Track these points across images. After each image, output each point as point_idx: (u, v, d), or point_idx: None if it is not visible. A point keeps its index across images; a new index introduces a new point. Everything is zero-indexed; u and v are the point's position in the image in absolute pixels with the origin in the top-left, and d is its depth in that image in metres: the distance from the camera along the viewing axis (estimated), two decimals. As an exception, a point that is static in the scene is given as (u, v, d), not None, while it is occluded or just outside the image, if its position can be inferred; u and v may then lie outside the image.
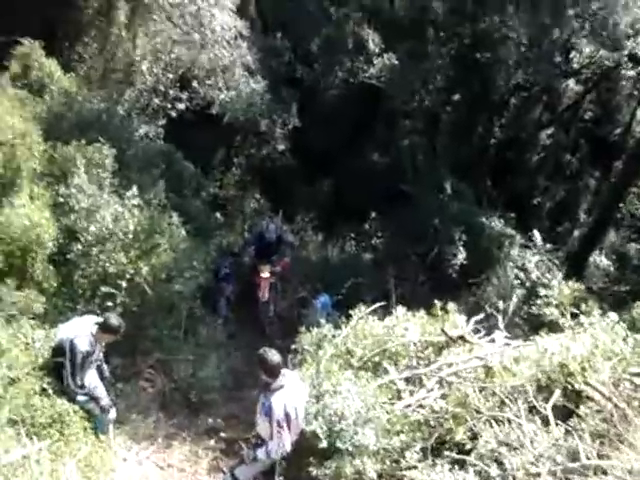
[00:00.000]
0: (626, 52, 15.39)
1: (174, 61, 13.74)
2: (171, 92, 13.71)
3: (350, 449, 5.87)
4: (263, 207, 15.70)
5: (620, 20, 14.90)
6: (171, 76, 13.65)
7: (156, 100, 13.63)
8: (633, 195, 19.30)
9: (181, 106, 13.80)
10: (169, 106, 13.71)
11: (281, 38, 16.01)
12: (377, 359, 7.06)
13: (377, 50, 15.83)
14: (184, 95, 13.82)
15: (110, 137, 9.96)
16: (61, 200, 8.67)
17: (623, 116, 19.73)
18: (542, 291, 6.86)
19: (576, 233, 19.50)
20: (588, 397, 5.59)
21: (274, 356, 5.91)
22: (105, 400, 6.96)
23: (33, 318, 7.44)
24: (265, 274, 11.79)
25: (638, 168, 17.51)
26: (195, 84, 14.02)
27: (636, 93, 18.98)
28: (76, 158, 8.85)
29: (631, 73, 16.28)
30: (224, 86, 14.33)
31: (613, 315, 6.81)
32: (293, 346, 7.56)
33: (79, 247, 8.35)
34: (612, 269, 17.06)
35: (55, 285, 8.14)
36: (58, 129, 9.77)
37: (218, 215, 13.55)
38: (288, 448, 5.78)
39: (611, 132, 19.94)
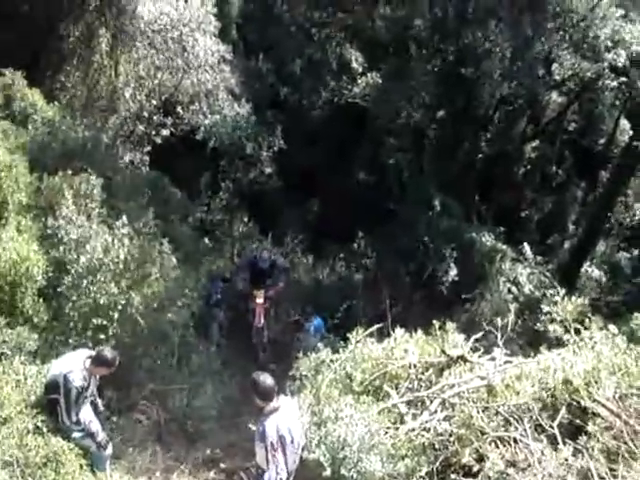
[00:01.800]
0: (606, 63, 15.51)
1: (157, 87, 13.76)
2: (155, 118, 13.71)
3: (355, 476, 5.74)
4: (251, 231, 15.61)
5: (599, 32, 15.07)
6: (155, 102, 13.66)
7: (140, 127, 13.62)
8: (620, 204, 19.40)
9: (165, 132, 13.81)
10: (153, 132, 13.71)
11: (264, 61, 16.09)
12: (378, 383, 6.93)
13: (360, 69, 15.96)
14: (168, 121, 13.84)
15: (96, 165, 9.91)
16: (49, 232, 8.54)
17: (606, 126, 19.90)
18: (545, 308, 6.78)
19: (566, 244, 19.58)
20: (595, 414, 5.50)
21: (267, 379, 5.82)
22: (101, 435, 6.78)
23: (24, 354, 7.26)
24: (260, 300, 11.65)
25: (624, 177, 17.63)
26: (179, 109, 14.05)
27: (618, 103, 19.13)
28: (63, 189, 8.75)
29: (613, 84, 16.34)
30: (208, 110, 14.35)
31: (613, 328, 6.74)
32: (291, 372, 7.41)
33: (69, 279, 8.17)
34: (604, 279, 17.07)
35: (46, 319, 7.95)
36: (43, 160, 9.66)
37: (206, 240, 13.44)
38: (284, 476, 5.61)
39: (595, 142, 20.12)
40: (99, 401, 7.19)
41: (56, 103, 11.56)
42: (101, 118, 13.02)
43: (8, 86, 10.65)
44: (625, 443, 4.96)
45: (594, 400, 5.55)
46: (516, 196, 19.43)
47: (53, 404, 6.55)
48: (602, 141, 20.30)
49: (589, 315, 6.63)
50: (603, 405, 5.46)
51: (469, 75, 14.31)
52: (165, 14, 13.50)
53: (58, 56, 12.75)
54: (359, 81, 15.71)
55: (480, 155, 17.97)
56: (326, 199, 16.18)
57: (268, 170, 15.61)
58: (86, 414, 6.78)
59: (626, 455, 4.89)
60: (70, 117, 11.53)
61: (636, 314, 7.37)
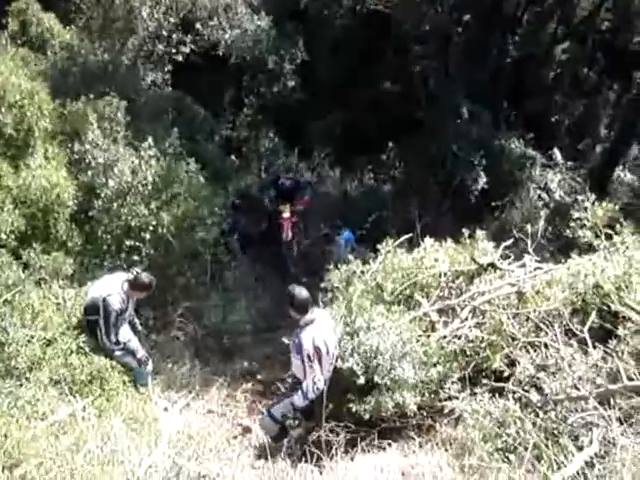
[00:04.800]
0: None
1: (174, 4, 13.36)
2: (174, 36, 13.39)
3: (388, 383, 5.88)
4: (278, 146, 15.51)
5: None
6: (173, 20, 13.30)
7: (160, 46, 13.34)
8: (655, 106, 18.70)
9: (186, 50, 13.50)
10: (174, 51, 13.43)
11: (282, -30, 15.48)
12: (408, 292, 7.02)
13: (383, -26, 15.28)
14: (188, 38, 13.51)
15: (117, 88, 9.83)
16: (76, 157, 8.61)
17: (641, 23, 18.97)
18: (575, 213, 6.71)
19: (598, 149, 19.07)
20: (625, 317, 5.52)
21: (302, 292, 5.94)
22: (141, 352, 7.01)
23: (62, 278, 7.45)
24: (286, 214, 11.78)
25: (659, 76, 16.97)
26: (198, 26, 13.68)
27: (655, -3, 18.19)
28: (87, 113, 8.74)
29: (650, -23, 15.55)
30: (228, 25, 13.97)
31: (645, 232, 6.68)
32: (322, 284, 7.50)
33: (100, 203, 8.32)
34: (637, 183, 16.72)
35: (80, 243, 8.14)
36: (64, 85, 9.62)
37: (233, 157, 13.39)
38: (321, 385, 5.78)
39: (630, 41, 19.19)
40: (137, 321, 7.42)
41: (73, 26, 11.39)
42: (119, 39, 12.73)
43: (23, 11, 10.47)
44: (655, 345, 5.00)
45: (625, 304, 5.56)
46: (546, 100, 18.84)
47: (93, 325, 6.77)
48: (637, 39, 19.40)
49: (621, 220, 6.55)
50: (633, 309, 5.47)
51: (496, -26, 13.71)
52: None
53: (71, -23, 12.45)
54: (381, -14, 15.13)
55: (508, 59, 17.39)
56: (352, 110, 15.86)
57: (291, 83, 15.27)
58: (125, 333, 7.00)
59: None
60: (88, 40, 11.39)
61: (669, 217, 7.24)
